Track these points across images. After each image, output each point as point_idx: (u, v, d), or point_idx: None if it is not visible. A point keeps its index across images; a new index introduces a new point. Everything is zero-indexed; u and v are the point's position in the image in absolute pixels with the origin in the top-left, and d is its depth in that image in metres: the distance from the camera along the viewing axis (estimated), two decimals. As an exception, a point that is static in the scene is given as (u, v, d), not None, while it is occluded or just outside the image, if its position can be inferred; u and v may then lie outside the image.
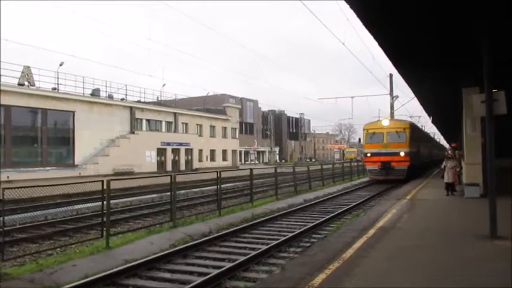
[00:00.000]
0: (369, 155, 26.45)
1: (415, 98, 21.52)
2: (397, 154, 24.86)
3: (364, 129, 27.29)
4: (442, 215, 11.75)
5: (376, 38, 9.86)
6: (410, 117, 48.86)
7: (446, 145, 62.61)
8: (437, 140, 64.41)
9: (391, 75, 36.18)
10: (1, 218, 7.63)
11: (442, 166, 17.07)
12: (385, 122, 26.60)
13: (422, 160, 31.42)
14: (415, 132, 28.13)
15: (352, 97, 40.12)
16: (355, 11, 8.08)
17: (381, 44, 10.46)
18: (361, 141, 29.68)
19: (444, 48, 10.83)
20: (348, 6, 7.83)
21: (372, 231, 9.05)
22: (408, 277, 5.78)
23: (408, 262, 6.58)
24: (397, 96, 37.38)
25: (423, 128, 51.88)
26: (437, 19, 8.82)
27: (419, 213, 12.03)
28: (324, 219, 12.42)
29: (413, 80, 15.42)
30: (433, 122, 35.58)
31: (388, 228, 9.37)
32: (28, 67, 32.78)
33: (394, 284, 5.51)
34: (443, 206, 13.40)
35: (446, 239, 8.25)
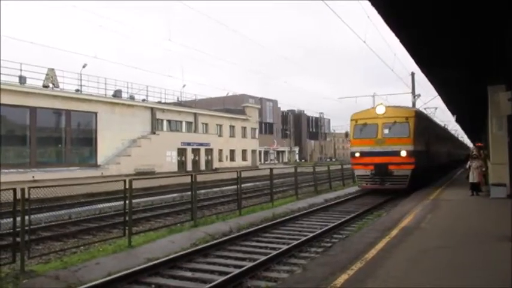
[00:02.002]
0: (357, 155, 19.11)
1: (438, 97, 21.09)
2: (397, 154, 17.98)
3: (351, 119, 19.76)
4: (466, 216, 11.47)
5: (398, 36, 9.70)
6: (425, 109, 39.78)
7: (470, 144, 61.18)
8: (460, 138, 60.38)
9: (413, 74, 35.44)
10: (27, 217, 7.80)
11: (467, 166, 16.72)
12: (380, 109, 18.96)
13: (434, 161, 23.62)
14: (423, 123, 20.51)
15: (373, 96, 39.09)
16: (377, 9, 7.97)
17: (403, 42, 10.29)
18: (348, 135, 21.14)
19: (469, 46, 10.56)
20: (369, 3, 7.73)
21: (394, 232, 8.89)
22: (431, 279, 5.65)
23: (431, 264, 6.43)
24: (419, 95, 36.52)
25: (446, 127, 48.93)
26: (461, 17, 8.62)
27: (443, 213, 11.77)
28: (345, 219, 12.29)
29: (436, 78, 15.12)
30: (456, 121, 34.81)
31: (411, 229, 9.19)
32: (52, 69, 33.52)
33: (417, 285, 5.40)
34: (468, 207, 13.09)
35: (470, 241, 8.05)
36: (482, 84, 13.94)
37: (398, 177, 17.97)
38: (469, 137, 56.05)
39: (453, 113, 29.48)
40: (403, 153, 17.91)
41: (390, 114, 18.78)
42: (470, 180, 15.75)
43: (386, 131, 18.60)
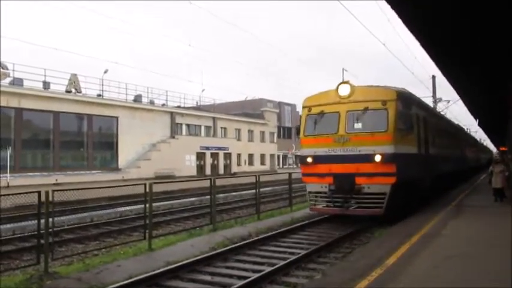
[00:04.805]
0: (309, 160, 12.55)
1: (460, 100, 20.73)
2: (369, 159, 11.46)
3: (303, 107, 13.32)
4: (490, 222, 11.20)
5: (418, 38, 9.61)
6: (434, 102, 33.05)
7: (494, 149, 59.75)
8: (478, 139, 53.87)
9: (433, 77, 34.94)
10: (51, 219, 7.98)
11: (489, 171, 16.31)
12: (344, 90, 12.32)
13: (436, 170, 16.50)
14: (414, 111, 13.30)
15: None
16: (396, 11, 7.92)
17: (424, 45, 10.18)
18: (299, 132, 13.34)
19: (492, 45, 10.36)
20: (389, 6, 7.69)
21: (415, 238, 8.76)
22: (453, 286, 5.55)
23: (453, 271, 6.31)
24: (440, 99, 35.82)
25: (471, 133, 43.62)
26: (484, 17, 8.48)
27: (465, 220, 11.53)
28: (365, 224, 12.14)
29: (458, 80, 14.88)
30: (479, 124, 34.12)
31: (432, 235, 9.04)
32: (75, 75, 34.25)
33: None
34: (491, 213, 12.77)
35: (492, 248, 7.86)
36: (506, 85, 13.63)
37: (370, 197, 11.53)
38: (492, 141, 54.80)
39: (475, 117, 28.89)
40: (378, 158, 11.33)
41: (359, 96, 12.13)
42: (493, 185, 15.38)
43: (352, 124, 12.14)
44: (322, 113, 12.63)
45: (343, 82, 12.76)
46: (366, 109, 11.94)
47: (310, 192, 12.89)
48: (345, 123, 12.11)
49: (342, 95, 12.31)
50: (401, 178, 11.57)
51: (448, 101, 36.05)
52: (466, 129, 38.91)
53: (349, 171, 11.71)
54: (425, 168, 14.39)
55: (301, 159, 13.30)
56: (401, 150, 11.90)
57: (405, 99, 12.71)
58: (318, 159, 12.36)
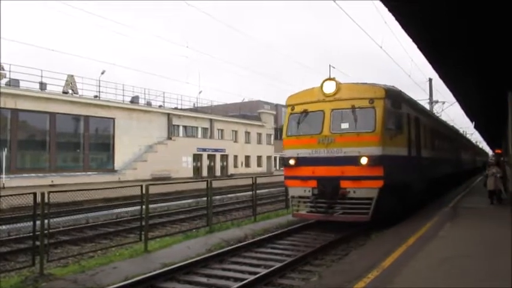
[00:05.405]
0: (291, 162, 11.93)
1: (457, 103, 20.79)
2: (355, 161, 10.84)
3: (287, 105, 12.72)
4: (485, 225, 11.23)
5: (415, 40, 9.62)
6: (430, 103, 33.11)
7: (490, 152, 60.00)
8: (474, 141, 54.23)
9: (430, 80, 35.10)
10: (46, 221, 7.94)
11: (485, 173, 16.38)
12: (329, 87, 11.71)
13: (429, 173, 15.86)
14: (404, 110, 12.54)
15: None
16: (393, 14, 7.93)
17: (420, 46, 10.19)
18: (282, 132, 13.20)
19: (489, 50, 10.41)
20: (386, 9, 7.70)
21: (412, 240, 8.77)
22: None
23: (450, 273, 6.33)
24: (436, 101, 35.99)
25: (466, 135, 43.86)
26: (481, 20, 8.51)
27: (461, 222, 11.56)
28: (362, 227, 12.13)
29: (455, 83, 14.92)
30: (475, 127, 34.23)
31: (428, 237, 9.06)
32: (72, 76, 34.17)
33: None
34: (487, 216, 12.81)
35: (488, 250, 7.88)
36: (502, 89, 13.70)
37: (356, 202, 10.88)
38: (488, 143, 55.03)
39: (472, 120, 28.99)
40: (364, 161, 10.73)
41: (345, 94, 11.52)
42: (488, 187, 15.48)
43: (337, 123, 11.49)
44: (305, 112, 11.97)
45: (328, 79, 11.86)
46: (352, 108, 11.23)
47: (292, 196, 12.20)
48: (329, 123, 11.46)
49: (327, 92, 11.66)
50: (389, 182, 10.82)
51: (443, 102, 36.26)
52: (462, 132, 39.07)
53: (334, 175, 11.08)
54: (417, 171, 13.68)
55: (283, 161, 12.56)
56: (390, 152, 11.22)
57: (394, 97, 11.95)
58: (301, 162, 11.70)
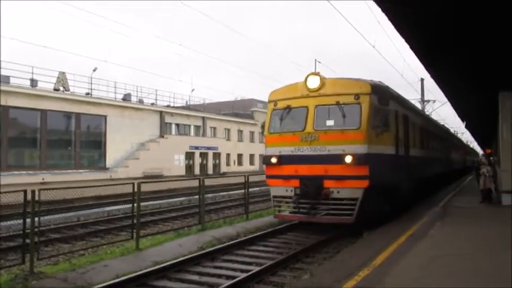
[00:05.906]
0: (273, 161, 11.38)
1: (448, 103, 20.93)
2: (339, 160, 10.32)
3: (269, 101, 12.24)
4: (476, 223, 11.34)
5: (407, 41, 9.67)
6: (421, 102, 34.31)
7: (481, 151, 60.50)
8: (465, 141, 54.91)
9: (422, 80, 35.35)
10: (37, 219, 7.88)
11: (478, 172, 16.61)
12: (313, 82, 11.18)
13: (420, 172, 15.79)
14: (391, 107, 11.86)
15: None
16: (386, 15, 7.97)
17: (412, 47, 10.24)
18: (264, 129, 12.30)
19: (480, 52, 10.50)
20: (379, 9, 7.73)
21: (402, 239, 8.84)
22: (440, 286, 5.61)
23: (440, 271, 6.38)
24: (428, 101, 36.25)
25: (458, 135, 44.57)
26: (473, 22, 8.59)
27: (451, 221, 11.66)
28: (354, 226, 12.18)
29: (445, 83, 15.04)
30: (466, 127, 34.52)
31: (419, 236, 9.12)
32: (63, 73, 33.86)
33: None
34: (477, 214, 12.94)
35: (479, 249, 7.96)
36: (492, 90, 13.83)
37: (340, 203, 10.36)
38: (479, 143, 55.51)
39: (463, 119, 29.23)
40: (349, 159, 10.19)
41: (330, 90, 10.99)
42: (480, 187, 15.70)
43: (322, 120, 10.95)
44: (288, 108, 11.41)
45: (313, 73, 11.35)
46: (337, 103, 10.66)
47: (274, 196, 11.58)
48: (313, 120, 10.89)
49: (311, 87, 11.09)
50: (375, 182, 10.31)
51: (434, 101, 36.51)
52: (453, 131, 39.40)
53: (317, 174, 10.54)
54: (405, 171, 13.16)
55: (265, 160, 11.82)
56: (376, 151, 10.70)
57: (381, 93, 11.25)
58: (283, 160, 11.15)
